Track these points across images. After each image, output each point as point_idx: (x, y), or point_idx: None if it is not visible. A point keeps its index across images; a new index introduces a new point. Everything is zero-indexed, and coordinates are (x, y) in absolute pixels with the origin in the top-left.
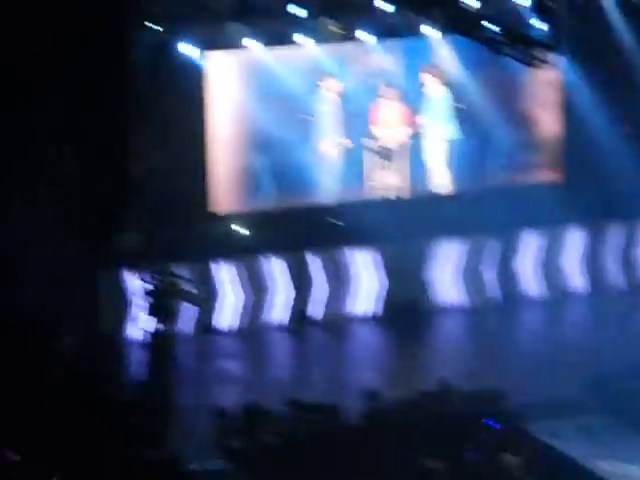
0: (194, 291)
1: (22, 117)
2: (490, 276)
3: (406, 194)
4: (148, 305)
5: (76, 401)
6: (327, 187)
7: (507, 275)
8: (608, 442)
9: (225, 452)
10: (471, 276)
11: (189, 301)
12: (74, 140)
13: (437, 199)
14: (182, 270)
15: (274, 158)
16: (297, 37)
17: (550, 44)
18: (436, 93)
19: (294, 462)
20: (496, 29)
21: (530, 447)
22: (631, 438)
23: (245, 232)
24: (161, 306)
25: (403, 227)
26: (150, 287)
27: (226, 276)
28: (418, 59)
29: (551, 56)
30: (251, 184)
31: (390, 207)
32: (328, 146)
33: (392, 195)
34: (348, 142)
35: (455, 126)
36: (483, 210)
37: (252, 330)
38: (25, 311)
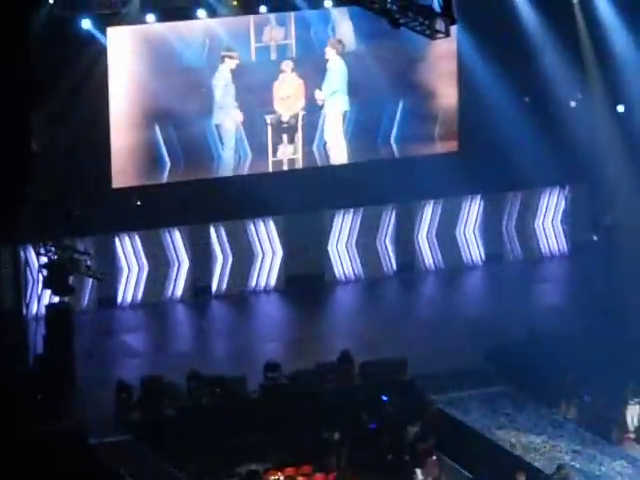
0: (92, 264)
1: None
2: (386, 247)
3: (303, 165)
4: (46, 279)
5: None
6: (226, 160)
7: (403, 246)
8: (508, 412)
9: (126, 425)
10: (367, 247)
11: (88, 275)
12: None
13: (333, 170)
14: (82, 244)
15: (174, 132)
16: (197, 11)
17: (445, 14)
18: (334, 65)
19: (194, 434)
20: (393, 0)
21: (430, 417)
22: (531, 408)
23: (146, 206)
24: (59, 280)
25: (300, 199)
26: (48, 261)
27: (128, 250)
28: (316, 31)
29: (447, 26)
30: (152, 158)
31: (287, 179)
32: (225, 119)
33: (290, 167)
34: (241, 116)
35: (352, 98)
36: (379, 181)
37: (153, 303)
38: None
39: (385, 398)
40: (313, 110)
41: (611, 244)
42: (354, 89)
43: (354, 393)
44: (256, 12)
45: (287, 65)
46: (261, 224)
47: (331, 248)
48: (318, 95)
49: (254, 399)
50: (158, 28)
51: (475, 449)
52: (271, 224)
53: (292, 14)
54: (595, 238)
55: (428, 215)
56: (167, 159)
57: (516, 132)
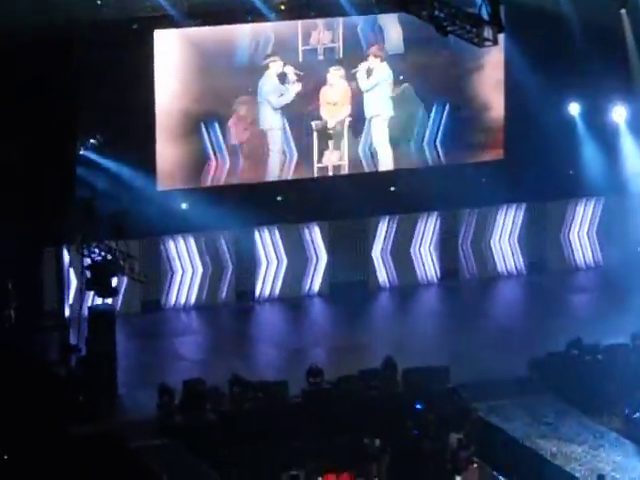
0: (137, 267)
1: None
2: (430, 254)
3: (349, 172)
4: (89, 280)
5: (18, 377)
6: (271, 165)
7: (447, 253)
8: (550, 421)
9: (168, 429)
10: (411, 254)
11: (132, 277)
12: (19, 125)
13: (379, 177)
14: (127, 246)
15: (220, 135)
16: (244, 15)
17: (493, 22)
18: (380, 72)
19: (235, 439)
20: (441, 7)
21: (471, 425)
22: (572, 417)
23: (192, 209)
24: (103, 281)
25: (345, 205)
26: (92, 262)
27: (172, 253)
28: (363, 37)
29: (494, 34)
30: (198, 161)
31: (334, 185)
32: (272, 124)
33: (335, 173)
34: (287, 120)
35: (397, 104)
36: (424, 188)
37: (197, 307)
38: None
39: (419, 406)
40: (359, 116)
41: None
42: (400, 95)
43: (396, 400)
44: (303, 17)
45: (335, 71)
46: (306, 230)
47: (375, 255)
48: (364, 101)
49: (296, 404)
50: (205, 31)
51: (516, 457)
52: (316, 230)
53: (341, 19)
54: None
55: (472, 223)
56: (213, 162)
57: (561, 141)
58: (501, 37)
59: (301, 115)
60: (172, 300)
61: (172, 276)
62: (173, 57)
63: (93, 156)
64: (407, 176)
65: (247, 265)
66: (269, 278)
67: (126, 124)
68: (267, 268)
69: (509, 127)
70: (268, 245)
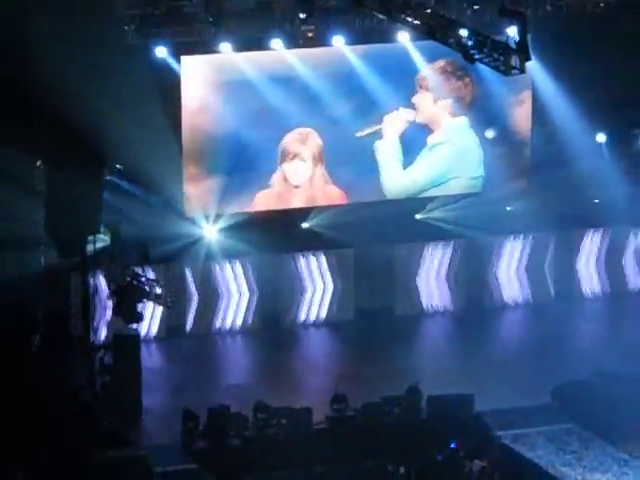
0: (161, 292)
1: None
2: (454, 283)
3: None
4: (115, 306)
5: (44, 401)
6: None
7: (472, 282)
8: (574, 449)
9: (192, 454)
10: (434, 282)
11: (157, 302)
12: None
13: (403, 204)
14: (154, 272)
15: (247, 162)
16: (271, 42)
17: (520, 51)
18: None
19: (259, 465)
20: (469, 35)
21: (495, 452)
22: (596, 446)
23: (222, 235)
24: (128, 307)
25: (371, 232)
26: (118, 288)
27: (200, 278)
28: (391, 65)
29: (521, 63)
30: (223, 187)
31: (358, 212)
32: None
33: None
34: None
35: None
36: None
37: (223, 332)
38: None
39: (453, 445)
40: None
41: None
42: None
43: (421, 427)
44: (330, 44)
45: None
46: (331, 257)
47: (402, 281)
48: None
49: (320, 431)
50: (232, 57)
51: None
52: (343, 257)
53: (369, 46)
54: None
55: (509, 250)
56: (239, 188)
57: (587, 170)
58: (529, 64)
59: None
60: (198, 325)
61: (197, 301)
62: (200, 83)
63: (120, 182)
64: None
65: (273, 291)
66: (294, 304)
67: (153, 150)
68: (292, 294)
69: (535, 156)
70: (296, 271)
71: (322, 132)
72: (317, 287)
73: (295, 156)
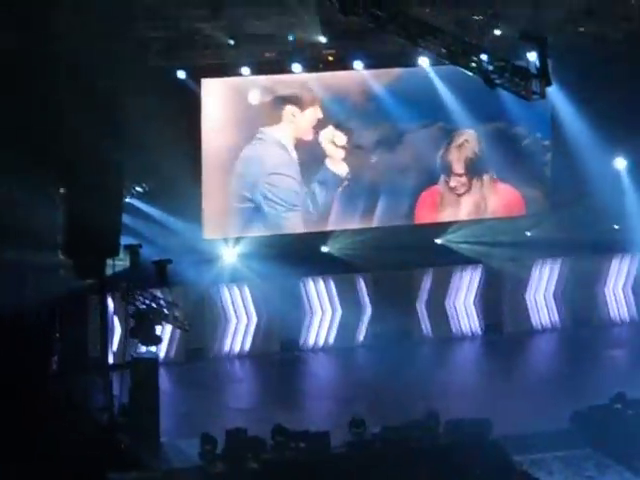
0: (181, 315)
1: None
2: (471, 307)
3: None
4: (133, 328)
5: (62, 423)
6: (314, 214)
7: (489, 307)
8: (591, 475)
9: (209, 477)
10: (451, 307)
11: (175, 325)
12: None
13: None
14: (172, 294)
15: (267, 185)
16: (291, 65)
17: (541, 76)
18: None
19: None
20: (490, 60)
21: (514, 478)
22: (614, 472)
23: (241, 258)
24: (146, 329)
25: (389, 257)
26: (136, 310)
27: (219, 301)
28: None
29: (542, 88)
30: (243, 210)
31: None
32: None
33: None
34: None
35: None
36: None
37: (242, 356)
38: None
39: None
40: None
41: None
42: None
43: (439, 451)
44: (350, 68)
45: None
46: (350, 280)
47: (419, 306)
48: None
49: (338, 454)
50: (252, 80)
51: None
52: (361, 281)
53: (390, 70)
54: None
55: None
56: (261, 211)
57: (606, 195)
58: (549, 89)
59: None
60: (217, 349)
61: (217, 325)
62: (220, 105)
63: (138, 204)
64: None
65: (292, 315)
66: (314, 328)
67: (172, 171)
68: (311, 318)
69: (553, 180)
70: (313, 295)
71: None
72: (334, 311)
73: None
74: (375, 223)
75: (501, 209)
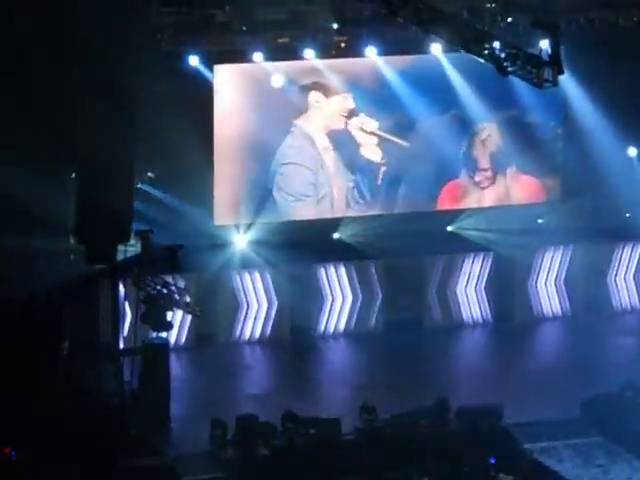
0: (192, 301)
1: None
2: (483, 295)
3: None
4: (144, 314)
5: (73, 406)
6: (328, 201)
7: (500, 295)
8: (602, 463)
9: (220, 463)
10: (462, 294)
11: (186, 311)
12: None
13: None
14: (183, 280)
15: (278, 171)
16: (304, 51)
17: (553, 63)
18: None
19: (287, 475)
20: (503, 47)
21: (524, 466)
22: (624, 460)
23: (253, 244)
24: (157, 315)
25: (400, 244)
26: (147, 295)
27: (231, 287)
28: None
29: (554, 75)
30: (255, 196)
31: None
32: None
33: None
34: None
35: None
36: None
37: (252, 342)
38: (28, 318)
39: (493, 461)
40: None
41: None
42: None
43: (449, 438)
44: (363, 55)
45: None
46: (362, 267)
47: (430, 293)
48: None
49: (348, 441)
50: (265, 66)
51: None
52: (372, 268)
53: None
54: None
55: (543, 263)
56: (273, 197)
57: (618, 183)
58: (562, 77)
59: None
60: (227, 335)
61: (227, 311)
62: (233, 91)
63: (150, 189)
64: (463, 216)
65: (303, 301)
66: (324, 315)
67: (184, 157)
68: (322, 304)
69: (565, 168)
70: (324, 282)
71: None
72: (345, 298)
73: None
74: (396, 211)
75: (524, 199)
